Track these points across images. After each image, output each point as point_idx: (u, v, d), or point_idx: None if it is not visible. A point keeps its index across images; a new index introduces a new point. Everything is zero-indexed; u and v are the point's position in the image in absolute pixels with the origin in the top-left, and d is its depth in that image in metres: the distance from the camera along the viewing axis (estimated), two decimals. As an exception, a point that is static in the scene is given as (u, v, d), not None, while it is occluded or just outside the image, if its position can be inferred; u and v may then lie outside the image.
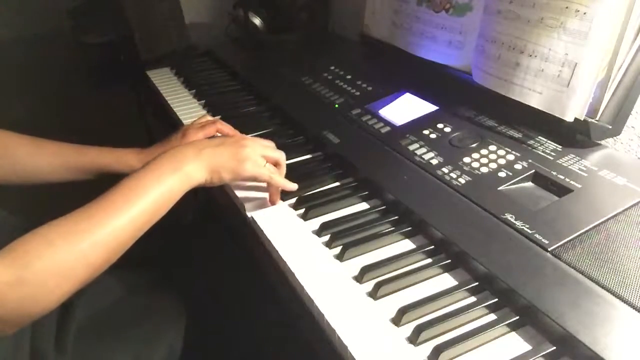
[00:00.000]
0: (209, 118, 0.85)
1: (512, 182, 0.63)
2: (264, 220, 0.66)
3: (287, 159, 0.79)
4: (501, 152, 0.67)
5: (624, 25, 0.60)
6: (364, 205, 0.68)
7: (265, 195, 0.70)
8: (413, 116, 0.80)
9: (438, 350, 0.45)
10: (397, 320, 0.49)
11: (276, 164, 0.69)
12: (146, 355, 0.66)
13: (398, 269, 0.56)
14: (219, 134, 0.82)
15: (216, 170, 0.63)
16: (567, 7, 0.63)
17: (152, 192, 0.57)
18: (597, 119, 0.65)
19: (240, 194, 0.72)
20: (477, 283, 0.53)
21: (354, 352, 0.47)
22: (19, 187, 0.75)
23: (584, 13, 0.62)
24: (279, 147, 0.83)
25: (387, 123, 0.80)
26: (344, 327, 0.49)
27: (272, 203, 0.69)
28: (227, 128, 0.81)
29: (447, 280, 0.55)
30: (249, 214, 0.68)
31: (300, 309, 0.56)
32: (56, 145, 0.76)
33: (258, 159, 0.66)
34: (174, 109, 1.02)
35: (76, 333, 0.63)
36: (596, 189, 0.59)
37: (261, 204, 0.69)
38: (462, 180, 0.64)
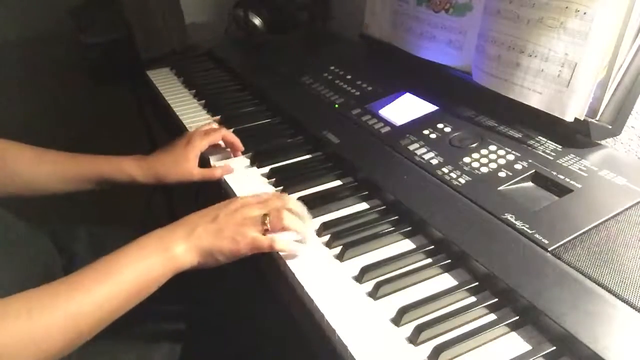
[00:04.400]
0: (214, 126, 0.85)
1: (512, 182, 0.63)
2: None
3: (287, 159, 0.80)
4: (501, 152, 0.67)
5: (624, 25, 0.60)
6: (364, 205, 0.68)
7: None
8: (413, 116, 0.80)
9: (438, 350, 0.45)
10: (397, 320, 0.49)
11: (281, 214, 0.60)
12: (147, 356, 0.66)
13: (398, 269, 0.56)
14: (223, 143, 0.82)
15: (210, 254, 0.57)
16: (567, 7, 0.63)
17: (127, 273, 0.51)
18: (597, 119, 0.65)
19: (239, 193, 0.72)
20: (477, 283, 0.53)
21: (354, 352, 0.47)
22: (17, 198, 0.74)
23: (584, 13, 0.62)
24: (279, 146, 0.84)
25: (387, 123, 0.80)
26: (344, 327, 0.49)
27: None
28: (232, 136, 0.80)
29: (447, 280, 0.55)
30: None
31: (300, 309, 0.56)
32: (55, 155, 0.75)
33: (255, 232, 0.58)
34: (174, 109, 1.02)
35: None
36: (596, 189, 0.59)
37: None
38: (462, 180, 0.64)
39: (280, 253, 0.59)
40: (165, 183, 0.77)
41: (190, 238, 0.56)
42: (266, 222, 0.58)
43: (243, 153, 0.82)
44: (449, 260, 0.56)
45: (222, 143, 0.82)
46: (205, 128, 0.81)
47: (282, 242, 0.58)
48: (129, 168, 0.75)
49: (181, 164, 0.75)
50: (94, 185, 0.76)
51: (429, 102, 0.83)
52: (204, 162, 0.80)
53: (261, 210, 0.60)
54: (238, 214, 0.59)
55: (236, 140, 0.80)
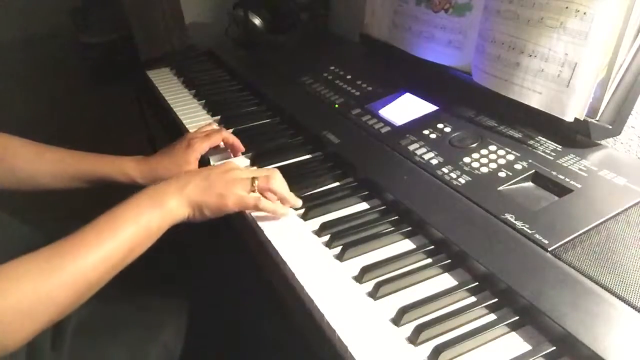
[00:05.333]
0: (215, 126, 0.85)
1: (512, 182, 0.63)
2: (263, 220, 0.66)
3: (287, 159, 0.80)
4: (501, 152, 0.67)
5: (624, 25, 0.60)
6: (364, 205, 0.68)
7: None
8: (413, 116, 0.80)
9: (438, 350, 0.45)
10: (397, 320, 0.49)
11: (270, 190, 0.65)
12: (142, 354, 0.66)
13: (398, 269, 0.56)
14: (223, 145, 0.82)
15: (198, 207, 0.61)
16: (567, 7, 0.63)
17: (128, 229, 0.55)
18: (597, 119, 0.65)
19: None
20: (477, 283, 0.53)
21: (354, 352, 0.47)
22: (18, 192, 0.74)
23: (584, 13, 0.62)
24: (279, 146, 0.84)
25: (387, 123, 0.80)
26: (344, 327, 0.49)
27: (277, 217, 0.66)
28: (232, 138, 0.81)
29: (447, 280, 0.55)
30: (248, 214, 0.67)
31: (300, 309, 0.56)
32: (57, 152, 0.75)
33: (242, 191, 0.62)
34: (174, 109, 1.02)
35: (73, 331, 0.63)
36: (596, 189, 0.59)
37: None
38: (462, 180, 0.64)
39: (259, 221, 0.64)
40: None
41: (181, 192, 0.60)
42: (254, 184, 0.63)
43: (243, 153, 0.82)
44: (449, 260, 0.56)
45: (222, 144, 0.82)
46: (205, 129, 0.81)
47: (266, 202, 0.64)
48: (129, 169, 0.75)
49: (182, 167, 0.75)
50: (93, 184, 0.76)
51: (429, 102, 0.83)
52: (204, 163, 0.80)
53: (250, 174, 0.65)
54: (228, 174, 0.64)
55: (236, 142, 0.81)
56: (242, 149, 0.81)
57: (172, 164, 0.76)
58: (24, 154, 0.73)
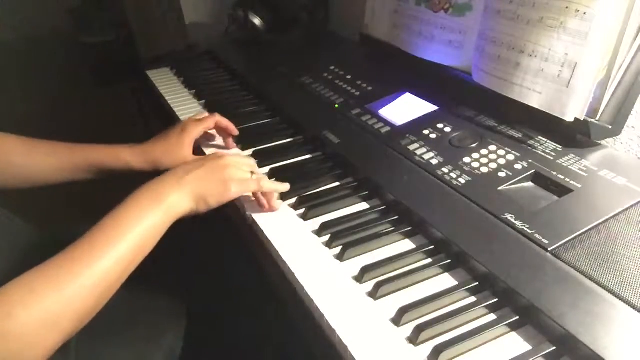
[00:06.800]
0: (206, 114, 0.86)
1: (512, 182, 0.63)
2: (264, 220, 0.66)
3: (287, 159, 0.80)
4: (501, 152, 0.67)
5: (624, 25, 0.60)
6: (364, 205, 0.68)
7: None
8: (413, 116, 0.80)
9: (438, 350, 0.45)
10: (397, 320, 0.49)
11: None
12: (148, 355, 0.66)
13: (398, 269, 0.56)
14: (215, 132, 0.83)
15: (202, 197, 0.60)
16: (567, 7, 0.63)
17: (135, 230, 0.54)
18: (597, 119, 0.65)
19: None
20: (477, 283, 0.53)
21: (354, 352, 0.47)
22: (16, 190, 0.74)
23: (584, 13, 0.62)
24: (279, 146, 0.84)
25: (387, 123, 0.80)
26: (344, 327, 0.49)
27: (272, 209, 0.67)
28: (225, 121, 0.81)
29: (447, 280, 0.55)
30: (248, 214, 0.68)
31: (300, 309, 0.56)
32: (50, 144, 0.75)
33: (242, 174, 0.63)
34: (174, 109, 1.02)
35: (79, 334, 0.63)
36: (596, 189, 0.59)
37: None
38: (462, 180, 0.64)
39: (259, 221, 0.64)
40: (161, 169, 0.77)
41: (180, 185, 0.59)
42: (252, 171, 0.65)
43: (242, 149, 0.83)
44: (449, 260, 0.56)
45: (214, 133, 0.85)
46: (198, 116, 0.82)
47: (268, 182, 0.65)
48: (124, 154, 0.76)
49: (176, 151, 0.76)
50: (90, 174, 0.76)
51: (429, 102, 0.83)
52: (197, 153, 0.81)
53: (247, 160, 0.66)
54: (224, 160, 0.64)
55: (229, 124, 0.82)
56: (236, 131, 0.83)
57: (166, 148, 0.76)
58: (17, 150, 0.73)
